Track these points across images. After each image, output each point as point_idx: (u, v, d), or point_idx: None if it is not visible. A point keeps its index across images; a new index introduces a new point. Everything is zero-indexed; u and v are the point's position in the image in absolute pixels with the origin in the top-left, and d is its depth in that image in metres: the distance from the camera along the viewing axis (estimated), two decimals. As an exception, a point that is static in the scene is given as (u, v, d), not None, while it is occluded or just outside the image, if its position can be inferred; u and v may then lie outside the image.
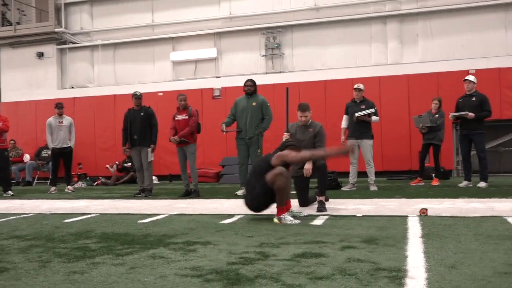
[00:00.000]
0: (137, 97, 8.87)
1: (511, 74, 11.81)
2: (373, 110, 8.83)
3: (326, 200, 6.20)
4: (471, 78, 8.91)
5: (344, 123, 9.12)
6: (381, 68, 13.02)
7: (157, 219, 5.32)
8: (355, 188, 8.84)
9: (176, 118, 8.61)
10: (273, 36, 14.12)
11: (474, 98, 8.77)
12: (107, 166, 13.62)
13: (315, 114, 12.60)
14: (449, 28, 12.94)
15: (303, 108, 6.30)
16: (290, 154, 5.05)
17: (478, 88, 9.01)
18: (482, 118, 8.73)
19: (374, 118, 8.88)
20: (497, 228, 4.11)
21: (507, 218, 4.65)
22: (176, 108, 8.70)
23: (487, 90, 9.85)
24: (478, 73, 11.28)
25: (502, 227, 4.19)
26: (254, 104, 8.43)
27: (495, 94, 11.37)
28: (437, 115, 9.58)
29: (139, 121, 8.74)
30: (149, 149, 8.74)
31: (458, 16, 12.89)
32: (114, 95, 14.48)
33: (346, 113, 9.08)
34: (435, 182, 9.51)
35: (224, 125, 8.54)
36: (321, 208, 5.66)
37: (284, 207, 4.96)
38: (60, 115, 10.40)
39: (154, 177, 11.33)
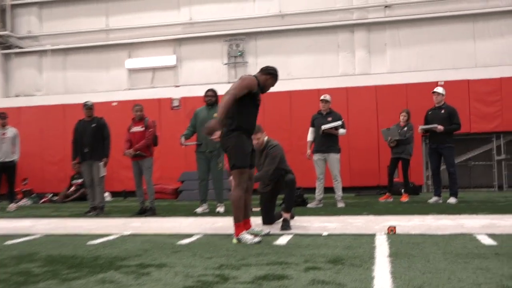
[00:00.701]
0: (88, 107, 8.74)
1: (480, 86, 12.20)
2: (340, 122, 8.94)
3: (292, 217, 6.22)
4: (439, 90, 9.16)
5: (310, 136, 9.21)
6: (349, 78, 13.26)
7: (109, 240, 5.22)
8: (321, 205, 8.90)
9: (131, 130, 8.51)
10: (236, 44, 14.19)
11: (443, 111, 9.01)
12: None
13: (280, 126, 12.90)
14: (417, 38, 13.29)
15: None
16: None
17: (447, 100, 9.26)
18: (451, 131, 8.96)
19: (341, 131, 8.99)
20: (466, 246, 4.21)
21: (476, 235, 4.77)
22: (132, 119, 8.60)
23: (456, 102, 10.14)
24: (447, 84, 11.58)
25: (472, 244, 4.29)
26: (215, 115, 8.35)
27: (464, 106, 11.72)
28: (405, 128, 9.78)
29: (91, 133, 8.61)
30: (101, 163, 8.61)
31: (426, 26, 13.27)
32: (64, 105, 14.21)
33: (312, 126, 9.17)
34: (405, 198, 9.68)
35: (183, 138, 8.49)
36: (286, 226, 5.67)
37: (240, 224, 4.96)
38: (3, 126, 10.15)
39: (106, 194, 11.14)
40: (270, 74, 5.27)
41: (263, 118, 13.66)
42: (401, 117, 9.93)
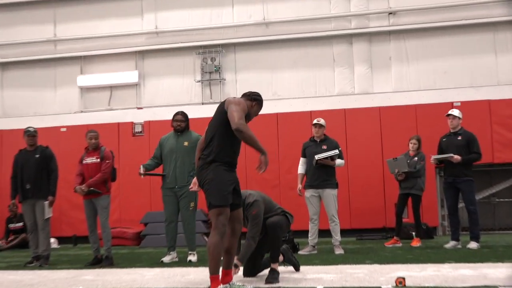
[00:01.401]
0: (30, 133, 8.71)
1: (504, 108, 12.36)
2: (337, 151, 8.99)
3: (296, 268, 6.36)
4: (455, 112, 9.28)
5: (301, 168, 9.24)
6: (347, 98, 13.36)
7: (55, 297, 5.14)
8: (315, 251, 8.87)
9: (84, 162, 8.49)
10: (212, 57, 14.27)
11: (459, 137, 9.12)
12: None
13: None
14: (428, 50, 13.47)
15: None
16: None
17: (465, 124, 9.38)
18: (470, 162, 9.05)
19: (338, 161, 9.03)
20: (490, 302, 4.22)
21: (502, 288, 4.79)
22: (85, 148, 8.59)
23: (476, 127, 10.27)
24: (464, 106, 11.75)
25: (497, 299, 4.30)
26: (185, 144, 8.41)
27: (485, 132, 11.88)
28: (416, 158, 9.86)
29: (33, 165, 8.59)
30: (46, 203, 8.53)
31: (438, 36, 13.47)
32: (1, 131, 14.10)
33: (304, 156, 9.22)
34: (416, 243, 9.70)
35: (142, 168, 8.42)
36: (271, 279, 5.66)
37: (217, 276, 4.95)
38: None
39: (52, 240, 11.00)
40: (255, 100, 5.44)
41: (244, 146, 13.61)
42: (411, 145, 10.03)
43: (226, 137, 5.09)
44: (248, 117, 5.31)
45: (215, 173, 5.02)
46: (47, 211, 8.55)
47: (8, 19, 15.43)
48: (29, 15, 15.31)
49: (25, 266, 8.42)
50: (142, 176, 8.48)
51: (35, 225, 8.63)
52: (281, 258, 6.04)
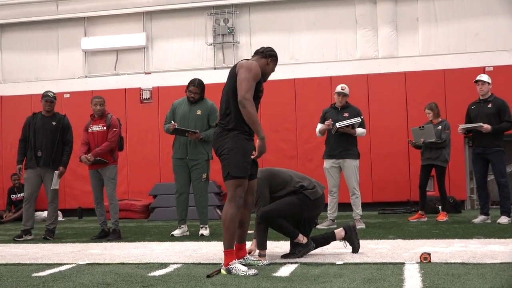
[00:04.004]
0: (48, 98, 8.71)
1: (539, 73, 12.24)
2: (359, 119, 8.97)
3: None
4: (484, 78, 9.19)
5: (319, 133, 9.20)
6: (370, 63, 13.32)
7: (60, 271, 5.23)
8: (335, 226, 8.91)
9: (89, 130, 8.54)
10: (224, 18, 14.21)
11: (490, 105, 9.05)
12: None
13: (282, 124, 12.92)
14: (459, 11, 13.33)
15: None
16: None
17: (497, 91, 9.31)
18: (501, 132, 9.00)
19: (359, 130, 9.02)
20: (521, 279, 4.25)
21: (534, 264, 4.81)
22: (90, 115, 8.63)
23: (508, 94, 10.18)
24: (496, 71, 11.66)
25: (528, 277, 4.33)
26: (198, 112, 8.42)
27: (519, 99, 11.80)
28: (440, 127, 9.82)
29: (49, 132, 8.61)
30: (56, 172, 8.61)
31: (470, -5, 13.33)
32: (0, 97, 14.22)
33: (323, 122, 9.17)
34: (442, 217, 9.72)
35: (168, 125, 8.39)
36: (289, 254, 5.71)
37: (232, 251, 5.00)
38: None
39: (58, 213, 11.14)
40: (271, 57, 5.37)
41: (260, 113, 13.56)
42: (427, 115, 10.01)
43: None
44: (264, 76, 5.31)
45: (234, 142, 5.03)
46: (55, 182, 8.61)
47: (6, -23, 15.42)
48: (29, -28, 15.29)
49: (13, 240, 8.42)
50: (169, 133, 8.40)
51: (32, 196, 8.69)
52: (343, 234, 5.99)
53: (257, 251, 5.74)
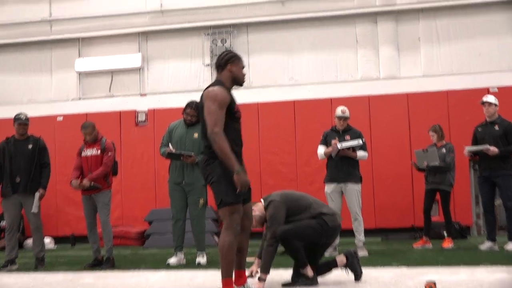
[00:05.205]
0: (21, 122, 8.68)
1: (545, 94, 12.25)
2: (360, 141, 8.96)
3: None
4: (491, 99, 9.20)
5: (321, 155, 9.16)
6: (371, 84, 13.33)
7: (52, 303, 5.18)
8: (336, 253, 8.86)
9: (83, 154, 8.52)
10: (222, 39, 14.25)
11: (496, 127, 9.05)
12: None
13: (282, 147, 12.91)
14: (461, 30, 13.36)
15: None
16: None
17: (502, 112, 9.30)
18: (508, 154, 8.98)
19: (361, 153, 8.99)
20: (531, 309, 4.20)
21: (544, 294, 4.77)
22: (83, 139, 8.60)
23: (514, 115, 10.19)
24: (502, 92, 11.66)
25: (538, 307, 4.28)
26: (196, 135, 8.40)
27: (525, 120, 11.79)
28: (444, 150, 9.80)
29: (26, 156, 8.55)
30: (37, 194, 8.51)
31: (473, 15, 13.35)
32: (-9, 119, 14.21)
33: (324, 144, 9.14)
34: (448, 244, 9.68)
35: (170, 146, 8.38)
36: (295, 281, 5.70)
37: (230, 280, 4.98)
38: None
39: (47, 240, 11.09)
40: (229, 62, 5.34)
41: (259, 136, 13.81)
42: (431, 138, 10.01)
43: (224, 127, 5.05)
44: (237, 81, 5.34)
45: (223, 168, 4.99)
46: (35, 205, 8.46)
47: (-2, -3, 15.51)
48: (22, -8, 15.36)
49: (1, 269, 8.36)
50: (165, 156, 8.39)
51: (15, 223, 8.61)
52: (344, 260, 5.99)
53: (258, 274, 5.72)
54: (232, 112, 5.13)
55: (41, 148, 8.69)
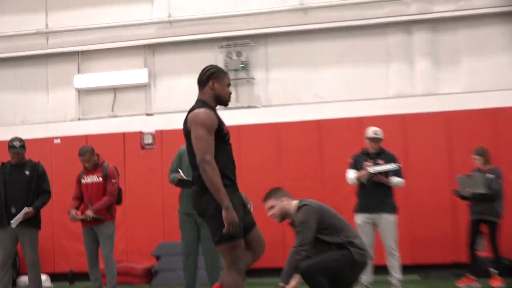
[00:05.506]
0: (15, 151, 8.65)
1: None
2: (395, 166, 8.91)
3: None
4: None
5: (352, 180, 9.12)
6: (405, 101, 13.26)
7: None
8: (369, 293, 8.82)
9: (83, 181, 8.52)
10: (237, 51, 14.26)
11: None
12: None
13: (305, 173, 12.84)
14: (507, 39, 13.29)
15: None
16: None
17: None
18: None
19: (395, 180, 8.96)
20: None
21: None
22: (84, 166, 8.61)
23: None
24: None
25: None
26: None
27: None
28: (490, 175, 9.72)
29: (22, 184, 8.56)
30: (25, 209, 8.38)
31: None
32: (-19, 143, 14.28)
33: (355, 169, 9.13)
34: (496, 282, 9.59)
35: (181, 172, 8.35)
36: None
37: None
38: None
39: (43, 277, 11.06)
40: (212, 78, 5.37)
41: (279, 160, 13.75)
42: (476, 161, 9.95)
43: (216, 151, 5.05)
44: (221, 100, 5.36)
45: None
46: (17, 218, 8.34)
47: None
48: (14, 1, 15.48)
49: None
50: (174, 184, 8.37)
51: (8, 262, 8.58)
52: None
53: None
54: (222, 134, 5.13)
55: (39, 174, 8.68)
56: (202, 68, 12.78)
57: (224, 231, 4.89)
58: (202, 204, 5.08)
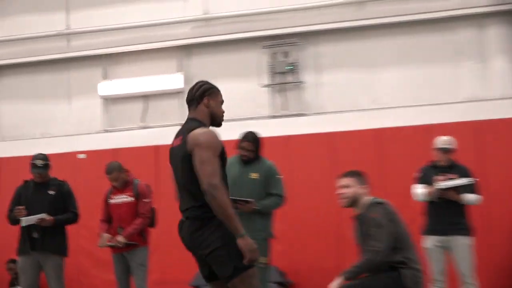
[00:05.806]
0: (37, 169, 8.70)
1: None
2: (469, 180, 8.78)
3: None
4: None
5: (420, 195, 9.01)
6: (480, 105, 13.10)
7: None
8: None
9: (111, 201, 8.50)
10: (284, 52, 14.22)
11: None
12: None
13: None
14: None
15: None
16: None
17: None
18: None
19: (469, 197, 8.88)
20: None
21: None
22: (112, 184, 8.61)
23: None
24: None
25: None
26: (254, 175, 8.38)
27: None
28: None
29: (45, 204, 8.59)
30: (43, 215, 8.40)
31: None
32: (-4, 159, 14.45)
33: (424, 182, 9.09)
34: None
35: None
36: None
37: None
38: None
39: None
40: (207, 94, 5.43)
41: (334, 175, 13.42)
42: None
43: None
44: (216, 120, 5.44)
45: (224, 227, 4.93)
46: (29, 219, 8.39)
47: (3, 6, 15.80)
48: (32, 0, 15.66)
49: None
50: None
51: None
52: None
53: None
54: (223, 158, 5.19)
55: (65, 194, 8.73)
56: (244, 72, 12.83)
57: (245, 262, 4.86)
58: (202, 240, 5.07)
